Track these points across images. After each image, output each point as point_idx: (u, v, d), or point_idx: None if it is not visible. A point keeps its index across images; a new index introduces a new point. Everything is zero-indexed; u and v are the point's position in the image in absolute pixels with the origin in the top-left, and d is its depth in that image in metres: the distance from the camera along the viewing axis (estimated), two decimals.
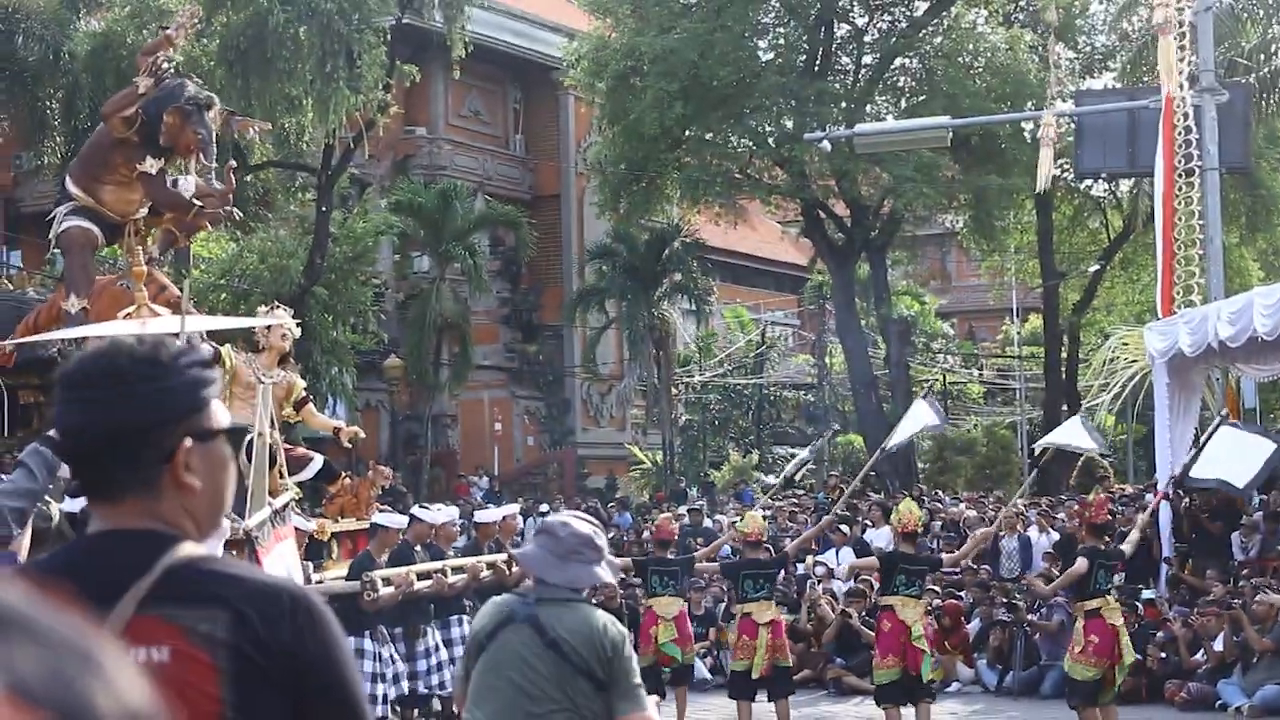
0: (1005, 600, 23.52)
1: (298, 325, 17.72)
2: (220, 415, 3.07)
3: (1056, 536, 25.26)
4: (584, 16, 44.17)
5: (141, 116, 16.27)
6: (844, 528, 29.58)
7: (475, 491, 41.58)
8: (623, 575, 19.86)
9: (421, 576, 15.91)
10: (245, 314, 29.16)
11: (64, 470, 6.78)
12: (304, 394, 17.66)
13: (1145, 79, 38.47)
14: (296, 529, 15.54)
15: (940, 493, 37.42)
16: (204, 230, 20.11)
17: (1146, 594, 22.33)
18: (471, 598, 16.81)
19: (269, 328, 17.16)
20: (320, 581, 14.98)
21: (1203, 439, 21.13)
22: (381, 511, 17.42)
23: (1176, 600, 22.56)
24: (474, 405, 51.10)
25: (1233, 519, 23.86)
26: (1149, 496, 26.88)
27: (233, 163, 20.17)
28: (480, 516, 20.12)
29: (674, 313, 49.50)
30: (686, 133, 41.28)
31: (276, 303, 19.02)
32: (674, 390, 49.89)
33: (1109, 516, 16.50)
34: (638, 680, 6.57)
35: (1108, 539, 16.74)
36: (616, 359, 52.43)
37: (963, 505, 31.94)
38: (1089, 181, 44.29)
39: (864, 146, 34.88)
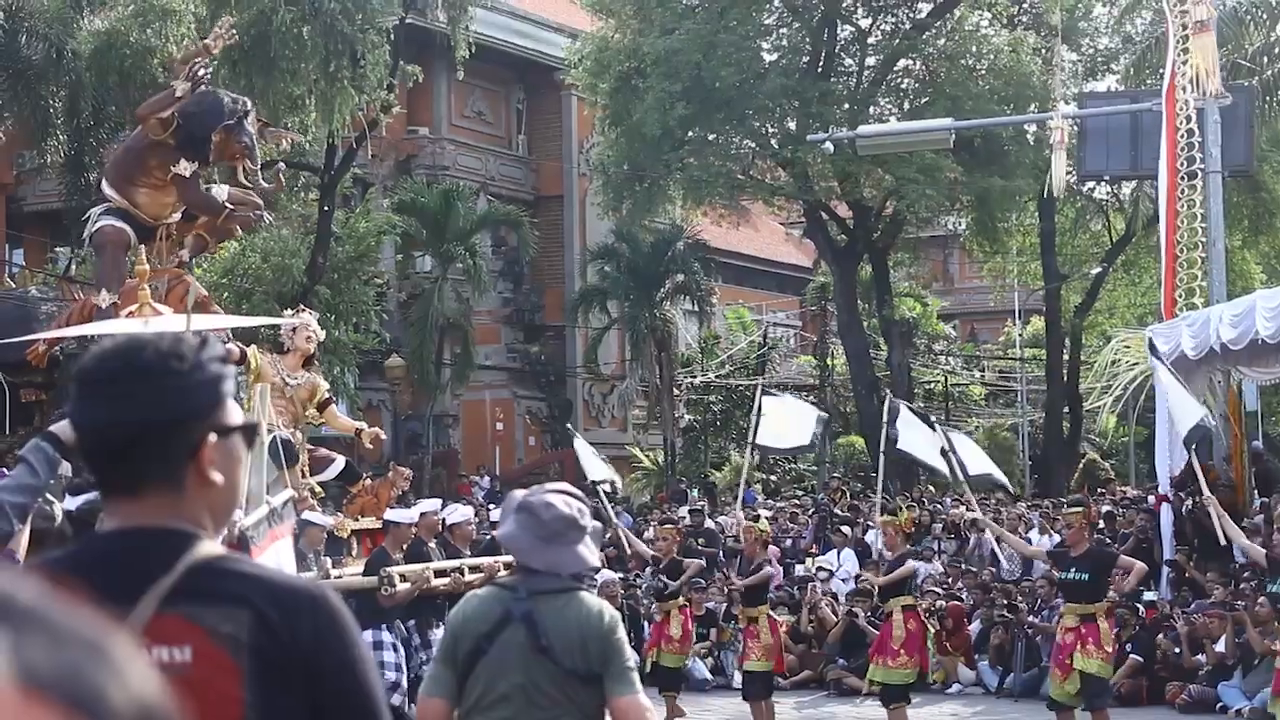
0: (1006, 602, 23.54)
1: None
2: (235, 411, 3.08)
3: (1058, 539, 25.23)
4: (587, 17, 44.17)
5: (178, 120, 16.40)
6: (845, 529, 29.63)
7: (477, 491, 41.56)
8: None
9: (438, 574, 16.07)
10: (248, 313, 29.19)
11: (64, 468, 6.77)
12: (327, 395, 17.83)
13: (1148, 81, 38.47)
14: (314, 525, 15.72)
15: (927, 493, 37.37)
16: (235, 235, 20.23)
17: (1148, 596, 22.33)
18: None
19: (294, 329, 17.35)
20: (340, 577, 15.19)
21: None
22: (393, 508, 17.57)
23: (1178, 602, 22.58)
24: (476, 405, 51.06)
25: (1235, 521, 23.84)
26: (1150, 499, 26.95)
27: (280, 165, 20.36)
28: (498, 516, 20.19)
29: (676, 313, 49.48)
30: (689, 133, 41.26)
31: (302, 306, 19.17)
32: (675, 391, 49.84)
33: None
34: (630, 663, 6.35)
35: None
36: (618, 359, 52.41)
37: (963, 508, 31.92)
38: (1091, 184, 44.31)
39: (867, 148, 34.89)
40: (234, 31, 19.37)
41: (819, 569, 27.34)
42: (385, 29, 34.86)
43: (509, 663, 6.18)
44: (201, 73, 16.83)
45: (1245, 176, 36.25)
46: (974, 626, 23.92)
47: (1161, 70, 32.53)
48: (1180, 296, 27.20)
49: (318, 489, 17.21)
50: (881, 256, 45.89)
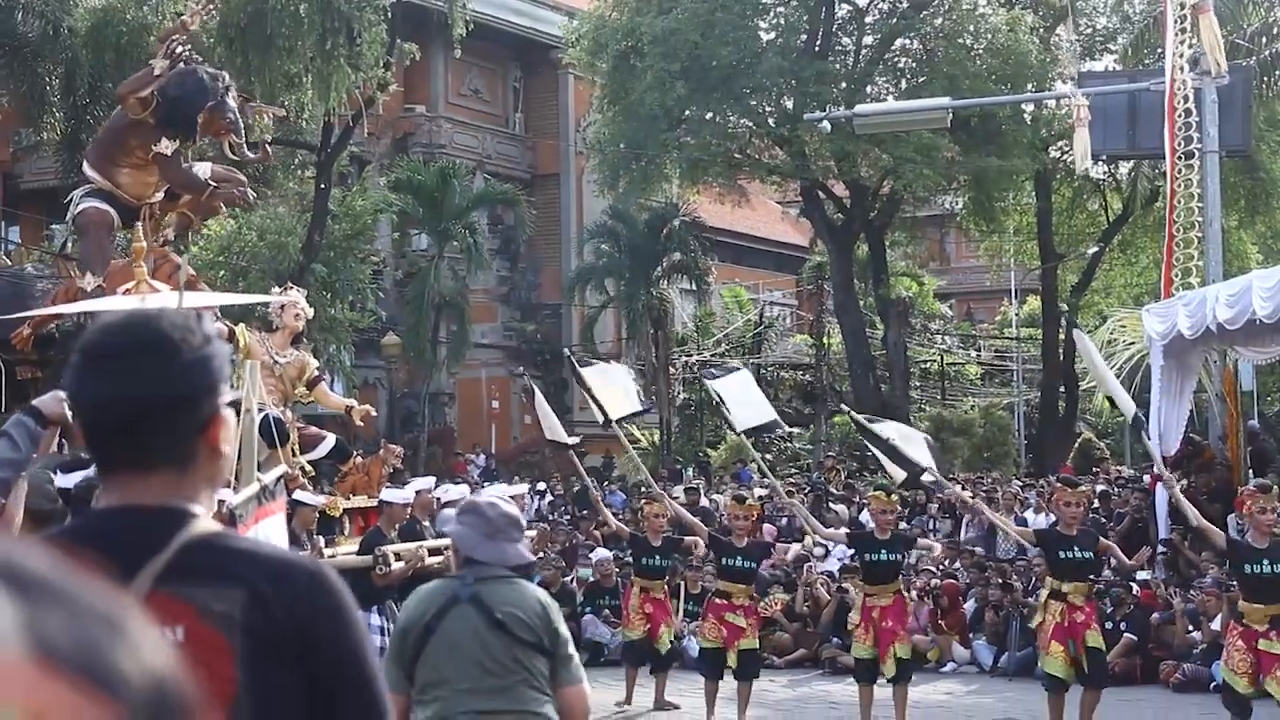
0: (1001, 581, 23.55)
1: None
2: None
3: (1054, 518, 25.22)
4: None
5: (157, 98, 16.31)
6: (838, 509, 29.65)
7: (472, 469, 41.58)
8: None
9: (432, 552, 16.07)
10: (244, 291, 29.17)
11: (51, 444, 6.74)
12: (316, 373, 17.80)
13: (1146, 61, 38.48)
14: (304, 504, 15.69)
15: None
16: (219, 213, 20.17)
17: (1142, 575, 22.33)
18: None
19: (283, 307, 17.31)
20: (333, 556, 15.14)
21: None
22: (388, 487, 17.53)
23: (1172, 582, 22.61)
24: (471, 384, 51.11)
25: (1229, 500, 23.86)
26: (1145, 479, 26.96)
27: (267, 136, 20.29)
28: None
29: (672, 292, 49.50)
30: (686, 112, 41.26)
31: (290, 283, 19.14)
32: (671, 370, 49.87)
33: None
34: (573, 651, 6.95)
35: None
36: (615, 338, 52.40)
37: (959, 486, 31.91)
38: (1088, 163, 44.31)
39: (864, 127, 34.85)
40: (213, 8, 19.28)
41: (816, 545, 27.34)
42: (382, 7, 34.79)
43: (460, 638, 6.70)
44: (180, 49, 16.72)
45: (1242, 156, 36.22)
46: (969, 605, 23.94)
47: (1160, 50, 32.54)
48: (1177, 276, 27.21)
49: (308, 467, 17.18)
50: (878, 235, 45.88)
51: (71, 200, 17.35)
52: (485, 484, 26.19)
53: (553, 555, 25.77)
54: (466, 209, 45.17)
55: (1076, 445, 44.54)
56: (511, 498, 20.07)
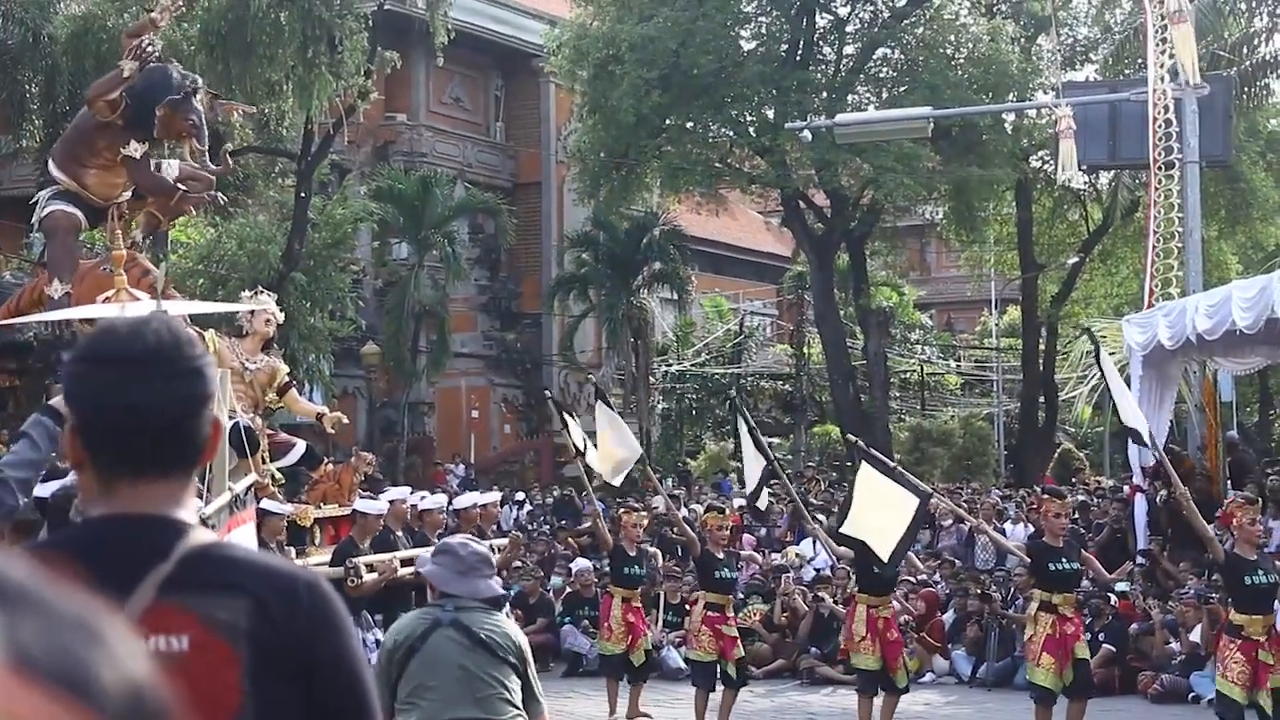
0: (980, 591, 23.57)
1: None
2: None
3: (1032, 529, 25.27)
4: (566, 4, 44.14)
5: (126, 100, 16.19)
6: (822, 517, 29.65)
7: (451, 479, 41.57)
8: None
9: (405, 563, 16.01)
10: (224, 299, 29.12)
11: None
12: (287, 379, 17.73)
13: (1127, 71, 38.58)
14: (271, 513, 15.61)
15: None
16: (187, 214, 20.09)
17: (1120, 586, 22.36)
18: None
19: (253, 313, 17.24)
20: (304, 567, 15.05)
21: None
22: (363, 498, 17.48)
23: (1151, 593, 22.63)
24: (451, 393, 51.10)
25: (1209, 512, 23.89)
26: (1124, 490, 27.00)
27: (229, 145, 20.23)
28: (460, 503, 20.25)
29: (653, 301, 49.54)
30: (667, 121, 41.33)
31: (260, 288, 19.05)
32: (652, 379, 49.91)
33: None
34: (536, 675, 7.74)
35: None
36: (595, 347, 52.42)
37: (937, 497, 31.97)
38: (1074, 173, 44.40)
39: (845, 136, 34.95)
40: (183, 6, 19.15)
41: (797, 557, 27.40)
42: (364, 15, 34.79)
43: (443, 655, 7.37)
44: (149, 50, 16.62)
45: (1223, 167, 36.37)
46: (948, 615, 23.96)
47: (1140, 60, 32.62)
48: (1157, 286, 27.28)
49: (278, 475, 17.11)
50: (859, 245, 45.95)
51: (38, 202, 17.24)
52: (463, 492, 26.11)
53: (531, 565, 25.77)
54: (447, 218, 45.21)
55: (1056, 456, 44.70)
56: (484, 505, 20.20)
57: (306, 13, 32.77)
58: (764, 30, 43.03)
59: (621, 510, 20.89)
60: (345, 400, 42.00)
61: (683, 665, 23.25)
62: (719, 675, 17.86)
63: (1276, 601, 14.92)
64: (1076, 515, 25.52)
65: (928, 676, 22.94)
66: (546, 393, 29.21)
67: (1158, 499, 24.09)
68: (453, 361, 46.86)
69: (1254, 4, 40.58)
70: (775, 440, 49.76)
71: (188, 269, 35.62)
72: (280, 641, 2.90)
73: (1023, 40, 42.72)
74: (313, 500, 17.48)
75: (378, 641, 16.28)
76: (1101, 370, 17.87)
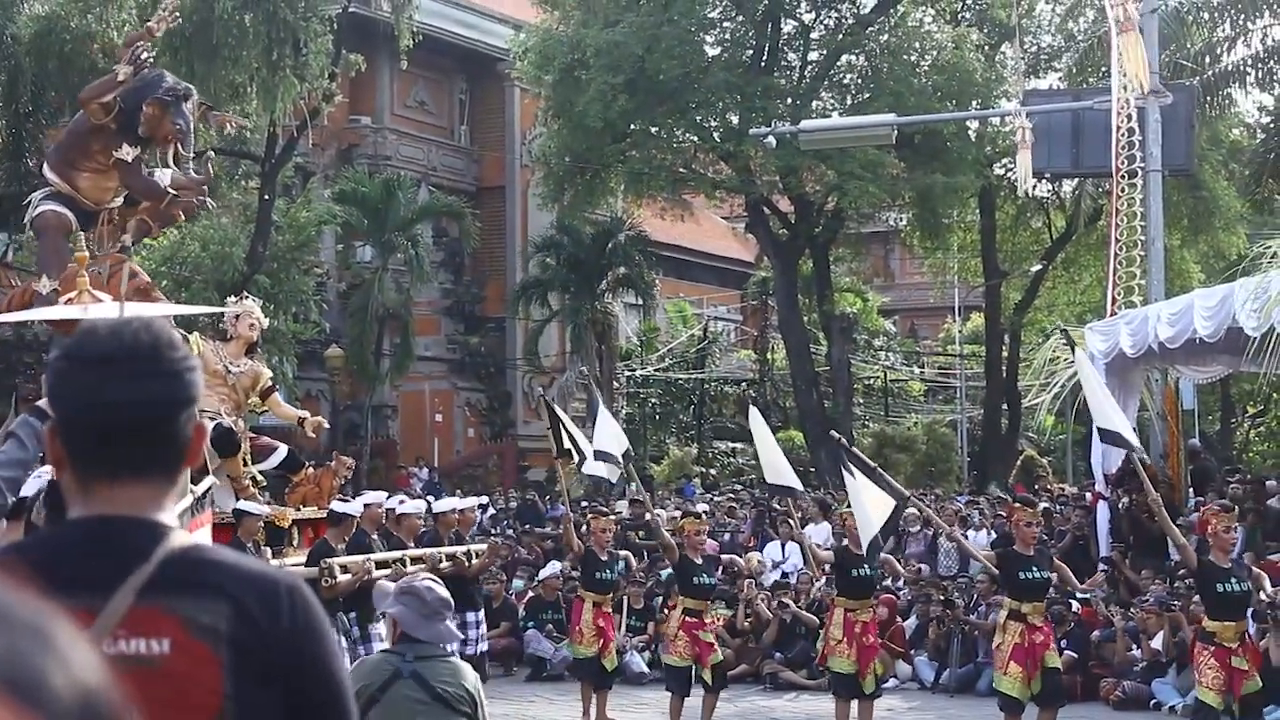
0: (943, 597, 23.61)
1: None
2: None
3: (995, 535, 25.31)
4: (532, 9, 44.10)
5: (120, 104, 16.22)
6: (790, 522, 29.65)
7: (415, 483, 41.46)
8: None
9: (380, 565, 16.09)
10: (187, 301, 29.04)
11: None
12: (270, 383, 17.79)
13: (1090, 80, 38.68)
14: (249, 514, 15.70)
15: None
16: (178, 220, 20.06)
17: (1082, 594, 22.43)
18: None
19: (237, 317, 17.32)
20: (280, 568, 15.10)
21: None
22: (339, 500, 17.52)
23: (1113, 600, 22.69)
24: (415, 396, 51.00)
25: (1171, 517, 24.00)
26: (1087, 497, 27.07)
27: (210, 153, 20.19)
28: (439, 507, 20.39)
29: (617, 306, 49.52)
30: (631, 126, 41.28)
31: (245, 293, 19.11)
32: (615, 384, 49.86)
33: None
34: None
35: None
36: (559, 352, 52.34)
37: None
38: (1030, 184, 44.53)
39: (809, 143, 34.96)
40: (178, 15, 19.21)
41: (760, 563, 27.41)
42: (328, 17, 34.70)
43: (401, 708, 7.55)
44: (144, 56, 16.65)
45: (1185, 176, 36.49)
46: (910, 622, 23.99)
47: (1104, 69, 32.72)
48: (1119, 294, 27.36)
49: (259, 478, 17.16)
50: (823, 251, 45.97)
51: (30, 202, 17.27)
52: (430, 498, 26.04)
53: (494, 569, 25.75)
54: (411, 221, 45.14)
55: (1019, 462, 44.75)
56: (461, 511, 20.29)
57: (271, 15, 32.67)
58: (729, 36, 43.06)
59: (590, 515, 20.90)
60: (309, 403, 41.86)
61: (645, 670, 23.31)
62: (694, 680, 17.90)
63: (1249, 608, 15.01)
64: (1040, 522, 25.56)
65: (891, 682, 22.96)
66: (544, 395, 29.26)
67: (1120, 506, 24.18)
68: (416, 365, 46.81)
69: (1216, 14, 40.69)
70: (738, 446, 49.81)
71: (151, 270, 35.37)
72: (261, 644, 2.89)
73: (987, 48, 42.80)
74: (292, 503, 17.54)
75: (355, 642, 16.35)
76: (1079, 370, 17.90)
